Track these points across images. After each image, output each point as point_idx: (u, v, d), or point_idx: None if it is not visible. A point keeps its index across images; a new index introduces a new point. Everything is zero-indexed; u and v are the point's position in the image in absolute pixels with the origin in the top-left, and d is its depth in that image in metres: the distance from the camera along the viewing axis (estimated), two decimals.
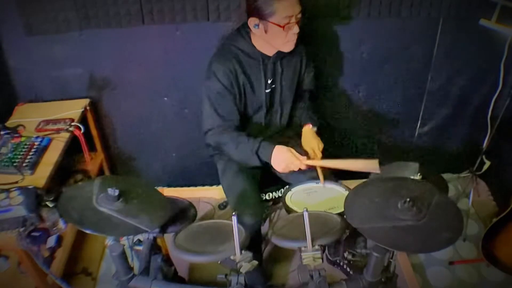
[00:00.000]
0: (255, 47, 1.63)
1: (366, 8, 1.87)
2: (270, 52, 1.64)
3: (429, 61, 2.06)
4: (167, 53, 1.98)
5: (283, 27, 1.50)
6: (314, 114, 1.84)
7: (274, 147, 1.54)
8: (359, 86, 2.13)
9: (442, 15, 1.91)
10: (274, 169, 1.58)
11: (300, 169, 1.53)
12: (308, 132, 1.76)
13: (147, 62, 2.01)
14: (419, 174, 1.46)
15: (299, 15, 1.52)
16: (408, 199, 1.09)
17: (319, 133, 1.79)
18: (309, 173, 1.70)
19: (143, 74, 2.04)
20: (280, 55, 1.65)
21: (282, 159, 1.52)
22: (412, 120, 2.28)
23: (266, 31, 1.54)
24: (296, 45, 1.61)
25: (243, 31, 1.64)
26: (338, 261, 1.43)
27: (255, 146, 1.56)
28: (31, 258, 1.43)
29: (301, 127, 1.80)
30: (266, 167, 1.61)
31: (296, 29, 1.53)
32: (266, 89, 1.69)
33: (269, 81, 1.69)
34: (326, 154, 1.67)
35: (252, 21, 1.54)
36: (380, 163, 1.43)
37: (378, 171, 1.42)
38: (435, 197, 1.16)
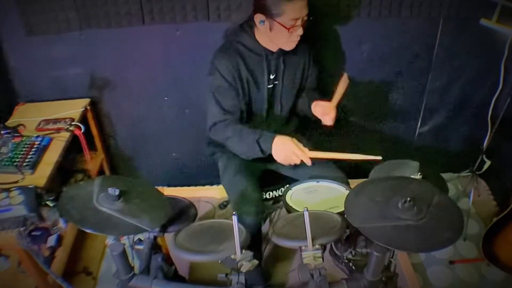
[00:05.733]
0: (258, 42, 1.63)
1: (366, 8, 1.87)
2: (273, 47, 1.64)
3: (429, 61, 2.06)
4: (167, 53, 1.98)
5: (289, 29, 1.50)
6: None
7: (275, 136, 1.52)
8: (359, 85, 2.13)
9: (442, 15, 1.91)
10: (277, 161, 1.54)
11: (302, 161, 1.48)
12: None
13: (147, 62, 2.01)
14: (419, 173, 1.46)
15: (305, 18, 1.52)
16: (408, 199, 1.09)
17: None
18: (310, 171, 1.70)
19: (143, 74, 2.04)
20: (283, 51, 1.65)
21: (283, 148, 1.50)
22: (412, 119, 2.28)
23: (271, 29, 1.54)
24: (299, 43, 1.61)
25: (247, 26, 1.64)
26: (344, 256, 1.43)
27: (256, 135, 1.54)
28: (32, 257, 1.43)
29: (309, 106, 1.74)
30: (270, 160, 1.56)
31: (300, 31, 1.53)
32: (268, 84, 1.69)
33: (272, 77, 1.69)
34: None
35: (258, 17, 1.55)
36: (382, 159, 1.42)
37: (380, 158, 1.40)
38: (435, 197, 1.16)
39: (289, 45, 1.60)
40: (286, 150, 1.49)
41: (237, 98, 1.63)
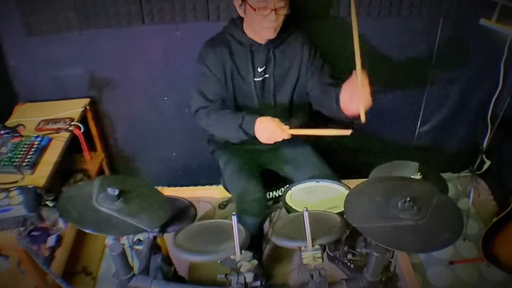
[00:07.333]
0: (245, 33, 1.64)
1: (366, 8, 1.87)
2: (259, 39, 1.64)
3: (429, 61, 2.06)
4: (167, 53, 1.98)
5: (255, 9, 1.50)
6: None
7: (257, 118, 1.55)
8: None
9: (442, 15, 1.91)
10: (260, 142, 1.57)
11: (284, 139, 1.53)
12: None
13: (147, 62, 2.01)
14: (419, 173, 1.46)
15: (280, 4, 1.50)
16: (408, 199, 1.09)
17: None
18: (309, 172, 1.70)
19: (143, 74, 2.04)
20: (272, 43, 1.64)
21: (265, 129, 1.53)
22: (412, 119, 2.28)
23: (245, 12, 1.57)
24: (290, 34, 1.63)
25: (238, 19, 1.66)
26: (337, 255, 1.43)
27: (239, 120, 1.57)
28: (31, 257, 1.43)
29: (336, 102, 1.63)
30: (255, 142, 1.58)
31: (272, 17, 1.52)
32: (255, 77, 1.68)
33: (260, 70, 1.69)
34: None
35: (237, 1, 1.58)
36: (353, 132, 1.48)
37: (348, 134, 1.48)
38: (435, 197, 1.16)
39: (265, 33, 1.59)
40: (268, 130, 1.53)
41: (219, 87, 1.66)
